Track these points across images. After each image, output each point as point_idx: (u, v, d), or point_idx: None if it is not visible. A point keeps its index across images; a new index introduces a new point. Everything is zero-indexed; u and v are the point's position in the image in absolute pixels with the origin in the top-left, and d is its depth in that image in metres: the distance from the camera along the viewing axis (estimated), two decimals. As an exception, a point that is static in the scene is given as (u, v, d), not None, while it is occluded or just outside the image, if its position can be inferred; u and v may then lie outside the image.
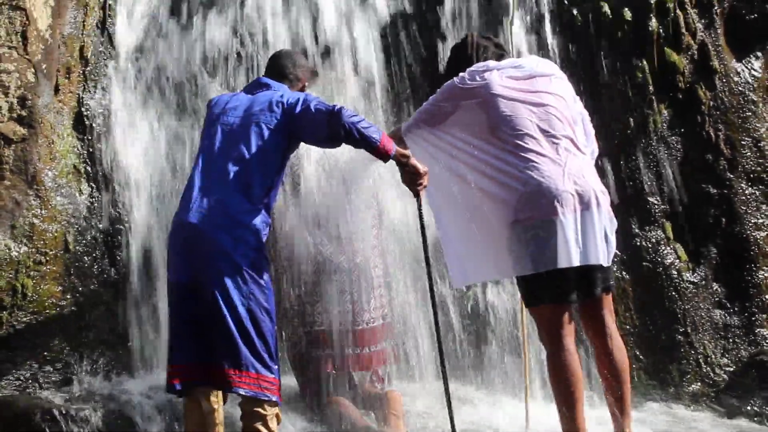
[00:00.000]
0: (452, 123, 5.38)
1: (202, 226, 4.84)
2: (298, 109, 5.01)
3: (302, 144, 5.34)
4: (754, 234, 7.24)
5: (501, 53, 5.62)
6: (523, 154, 5.14)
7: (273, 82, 5.32)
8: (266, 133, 5.02)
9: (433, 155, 5.42)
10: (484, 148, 5.25)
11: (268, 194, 5.00)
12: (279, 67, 5.45)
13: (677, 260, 7.09)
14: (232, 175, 4.93)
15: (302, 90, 5.46)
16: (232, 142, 5.02)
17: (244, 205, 4.89)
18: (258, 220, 4.92)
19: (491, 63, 5.42)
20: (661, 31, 7.29)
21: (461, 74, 5.41)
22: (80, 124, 6.53)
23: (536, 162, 5.12)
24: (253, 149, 4.98)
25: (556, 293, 5.12)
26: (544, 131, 5.21)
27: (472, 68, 5.40)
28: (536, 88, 5.34)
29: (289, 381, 5.85)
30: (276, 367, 4.86)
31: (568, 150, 5.22)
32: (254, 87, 5.34)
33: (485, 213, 5.21)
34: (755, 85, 7.48)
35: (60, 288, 6.18)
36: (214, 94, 6.52)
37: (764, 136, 7.40)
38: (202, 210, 4.87)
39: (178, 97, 6.82)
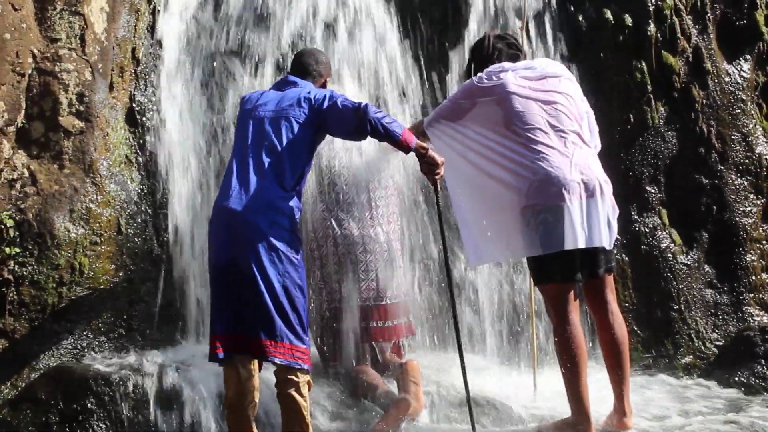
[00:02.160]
0: (470, 118, 5.38)
1: (241, 211, 4.81)
2: (326, 104, 4.99)
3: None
4: (742, 221, 7.21)
5: (516, 53, 5.59)
6: (534, 147, 5.16)
7: (299, 79, 5.29)
8: (295, 126, 4.99)
9: (453, 147, 5.42)
10: (499, 140, 5.27)
11: (299, 182, 4.98)
12: (303, 65, 5.41)
13: (672, 244, 7.06)
14: (266, 165, 4.91)
15: (324, 84, 5.44)
16: (264, 135, 5.00)
17: (278, 191, 4.87)
18: (291, 205, 4.90)
19: (507, 64, 5.42)
20: (658, 35, 7.23)
21: (479, 74, 5.43)
22: (132, 118, 6.51)
23: (546, 154, 5.14)
24: (284, 141, 4.96)
25: (563, 273, 5.14)
26: (553, 126, 5.24)
27: (489, 69, 5.42)
28: (547, 88, 5.35)
29: (316, 351, 5.80)
30: (307, 338, 4.85)
31: (575, 143, 5.26)
32: (282, 84, 5.32)
33: (499, 199, 5.23)
34: (744, 85, 7.45)
35: (113, 266, 6.17)
36: (250, 90, 6.52)
37: (752, 131, 7.38)
38: (241, 197, 4.85)
39: (218, 94, 6.77)
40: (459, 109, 5.40)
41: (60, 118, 6.17)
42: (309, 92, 5.10)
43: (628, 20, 7.20)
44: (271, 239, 4.77)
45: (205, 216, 5.93)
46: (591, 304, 5.42)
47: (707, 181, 7.20)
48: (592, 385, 5.22)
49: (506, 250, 5.41)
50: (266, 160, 4.91)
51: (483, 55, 5.59)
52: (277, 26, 6.91)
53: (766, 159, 7.34)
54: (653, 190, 7.12)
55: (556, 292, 5.18)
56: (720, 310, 7.06)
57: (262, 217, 4.79)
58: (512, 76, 5.32)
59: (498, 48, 5.59)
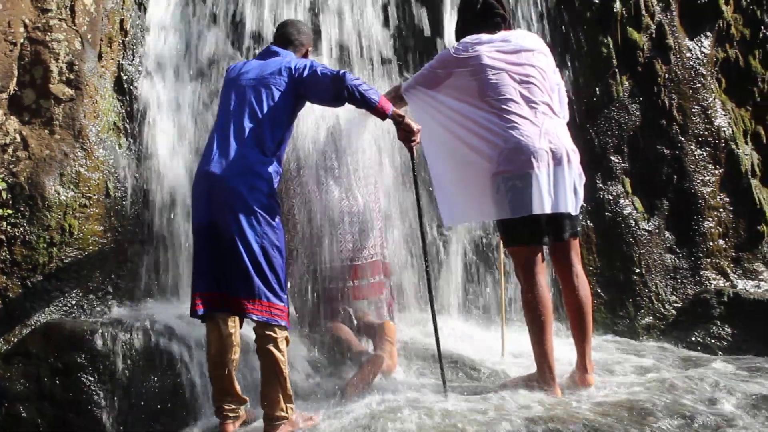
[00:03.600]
0: (446, 87, 5.36)
1: (222, 175, 4.77)
2: (306, 73, 4.95)
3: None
4: (701, 189, 7.23)
5: (503, 14, 5.49)
6: (506, 116, 5.16)
7: (281, 49, 5.23)
8: (276, 94, 4.95)
9: (429, 113, 5.41)
10: (473, 110, 5.26)
11: (278, 147, 4.94)
12: (286, 35, 5.35)
13: (635, 211, 7.08)
14: (247, 131, 4.86)
15: (306, 54, 5.38)
16: (246, 103, 4.95)
17: (258, 156, 4.83)
18: (270, 170, 4.85)
19: (484, 36, 5.37)
20: (624, 12, 7.23)
21: (455, 45, 5.42)
22: (119, 86, 6.44)
23: (517, 123, 5.13)
24: (265, 109, 4.91)
25: (530, 236, 5.15)
26: (525, 97, 5.23)
27: (465, 40, 5.40)
28: (521, 61, 5.33)
29: (293, 310, 5.76)
30: (285, 296, 4.82)
31: (545, 114, 5.25)
32: (265, 54, 5.26)
33: (472, 165, 5.22)
34: (704, 61, 7.46)
35: (101, 228, 6.13)
36: (233, 60, 6.50)
37: (711, 105, 7.39)
38: (222, 161, 4.81)
39: (201, 63, 6.73)
40: (435, 77, 5.37)
41: (50, 85, 6.11)
42: (290, 61, 5.05)
43: (595, -2, 7.20)
44: (250, 202, 4.73)
45: (190, 180, 5.90)
46: (557, 266, 5.42)
47: (668, 151, 7.22)
48: (555, 343, 5.23)
49: (478, 213, 5.43)
50: (247, 127, 4.87)
51: (470, 12, 5.50)
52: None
53: (724, 131, 7.35)
54: (617, 160, 7.13)
55: (524, 255, 5.18)
56: (679, 273, 7.10)
57: (242, 181, 4.75)
58: (487, 48, 5.29)
59: (487, 5, 5.49)
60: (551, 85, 5.38)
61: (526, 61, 5.32)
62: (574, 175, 5.21)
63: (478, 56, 5.25)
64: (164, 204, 6.28)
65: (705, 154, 7.29)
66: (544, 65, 5.40)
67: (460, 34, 5.54)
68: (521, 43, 5.39)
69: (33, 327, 5.72)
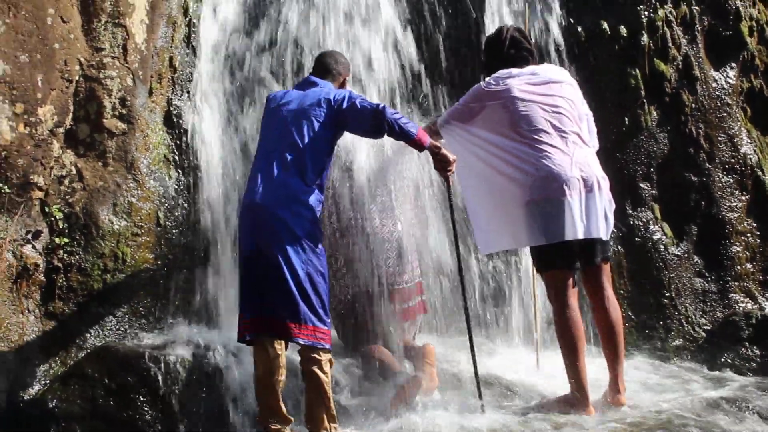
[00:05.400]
0: (480, 120, 5.39)
1: (267, 204, 4.81)
2: (345, 105, 4.97)
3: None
4: (728, 215, 7.17)
5: (530, 49, 5.54)
6: (538, 146, 5.17)
7: (319, 80, 5.25)
8: (316, 125, 4.97)
9: (464, 146, 5.43)
10: (505, 141, 5.27)
11: (320, 176, 4.96)
12: (324, 65, 5.37)
13: (664, 236, 7.03)
14: (288, 161, 4.89)
15: (344, 83, 5.40)
16: (287, 133, 4.97)
17: (300, 186, 4.86)
18: (312, 199, 4.89)
19: (514, 70, 5.41)
20: (651, 44, 7.20)
21: (487, 79, 5.44)
22: (169, 121, 6.52)
23: (549, 152, 5.14)
24: (306, 139, 4.93)
25: (563, 261, 5.15)
26: (555, 127, 5.24)
27: (496, 74, 5.42)
28: (550, 92, 5.34)
29: (334, 332, 5.77)
30: (329, 320, 4.85)
31: (575, 143, 5.26)
32: (304, 84, 5.28)
33: (506, 193, 5.23)
34: (730, 91, 7.40)
35: (152, 255, 6.20)
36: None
37: (737, 133, 7.33)
38: (266, 191, 4.85)
39: (247, 97, 6.81)
40: (469, 111, 5.40)
41: (104, 120, 6.20)
42: (329, 93, 5.07)
43: (624, 31, 7.17)
44: (295, 230, 4.77)
45: (236, 210, 5.95)
46: (588, 290, 5.41)
47: (696, 178, 7.17)
48: (589, 367, 5.21)
49: (512, 240, 5.40)
50: (289, 157, 4.89)
51: (502, 49, 5.53)
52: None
53: (750, 159, 7.30)
54: (646, 187, 7.10)
55: (557, 279, 5.18)
56: (708, 297, 7.03)
57: (286, 210, 4.78)
58: (517, 81, 5.32)
59: (518, 42, 5.52)
60: (579, 114, 5.39)
61: (555, 93, 5.34)
62: (605, 201, 5.21)
63: (509, 89, 5.28)
64: (213, 232, 6.35)
65: (732, 180, 7.24)
66: (572, 96, 5.42)
67: (489, 70, 5.56)
68: (549, 76, 5.42)
69: (88, 350, 5.79)
